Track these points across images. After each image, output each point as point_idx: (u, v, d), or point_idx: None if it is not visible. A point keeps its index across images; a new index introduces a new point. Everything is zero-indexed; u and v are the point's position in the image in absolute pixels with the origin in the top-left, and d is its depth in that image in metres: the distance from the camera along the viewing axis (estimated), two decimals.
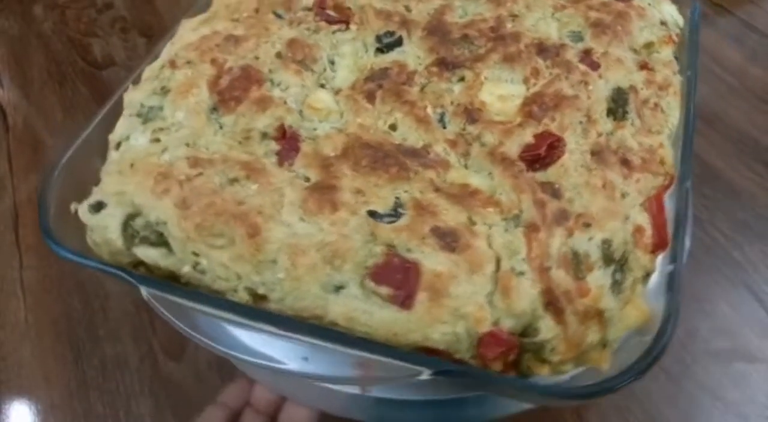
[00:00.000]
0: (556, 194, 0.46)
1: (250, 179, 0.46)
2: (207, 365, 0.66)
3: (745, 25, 0.97)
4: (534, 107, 0.51)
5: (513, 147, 0.49)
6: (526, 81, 0.53)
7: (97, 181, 0.48)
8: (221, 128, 0.50)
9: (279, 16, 0.59)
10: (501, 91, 0.53)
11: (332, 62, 0.56)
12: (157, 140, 0.49)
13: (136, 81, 0.54)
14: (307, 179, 0.47)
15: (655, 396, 0.61)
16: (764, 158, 0.81)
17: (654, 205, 0.48)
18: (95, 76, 0.98)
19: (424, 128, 0.50)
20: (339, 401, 0.53)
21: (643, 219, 0.46)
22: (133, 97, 0.52)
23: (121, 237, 0.45)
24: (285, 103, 0.51)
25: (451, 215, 0.44)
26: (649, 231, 0.46)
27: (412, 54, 0.56)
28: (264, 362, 0.46)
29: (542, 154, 0.48)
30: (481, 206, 0.45)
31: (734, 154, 0.81)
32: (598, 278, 0.43)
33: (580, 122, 0.51)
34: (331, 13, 0.59)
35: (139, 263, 0.46)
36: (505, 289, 0.41)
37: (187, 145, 0.48)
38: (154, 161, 0.47)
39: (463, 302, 0.41)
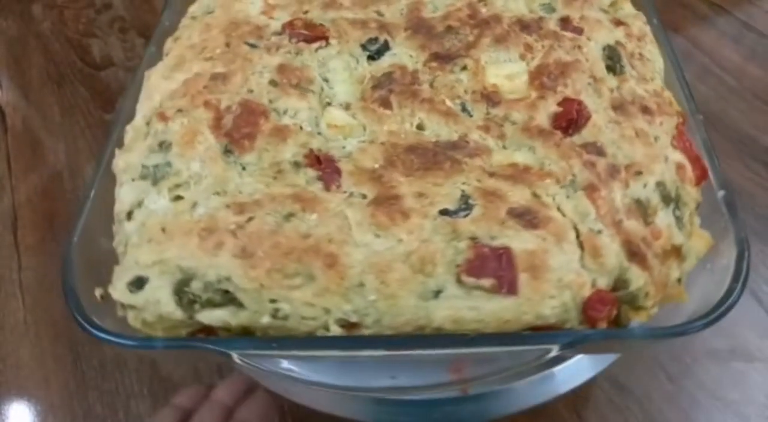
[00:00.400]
0: (600, 152, 0.48)
1: (307, 210, 0.44)
2: (206, 365, 0.66)
3: (743, 25, 0.97)
4: (543, 78, 0.52)
5: (543, 119, 0.50)
6: (522, 57, 0.55)
7: (105, 259, 0.45)
8: (244, 168, 0.47)
9: (253, 46, 0.56)
10: (505, 71, 0.54)
11: (326, 80, 0.54)
12: (179, 198, 0.46)
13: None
14: (364, 196, 0.45)
15: (655, 395, 0.61)
16: (763, 158, 0.81)
17: (681, 142, 0.51)
18: (94, 76, 0.98)
19: (452, 120, 0.50)
20: (344, 403, 0.53)
21: (678, 157, 0.49)
22: (128, 160, 0.49)
23: (179, 308, 0.42)
24: (302, 128, 0.50)
25: (517, 195, 0.44)
26: (688, 166, 0.49)
27: (405, 55, 0.56)
28: (360, 393, 0.47)
29: (575, 117, 0.50)
30: (537, 179, 0.46)
31: (733, 154, 0.82)
32: (664, 218, 0.46)
33: (589, 83, 0.53)
34: (305, 32, 0.57)
35: (198, 331, 0.43)
36: (593, 249, 0.42)
37: (218, 193, 0.45)
38: (189, 219, 0.44)
39: (563, 272, 0.41)
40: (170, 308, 0.42)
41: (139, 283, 0.42)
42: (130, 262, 0.43)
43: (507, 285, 0.41)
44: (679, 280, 0.45)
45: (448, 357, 0.43)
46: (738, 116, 0.86)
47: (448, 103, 0.52)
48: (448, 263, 0.41)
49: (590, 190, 0.45)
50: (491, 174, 0.46)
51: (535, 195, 0.45)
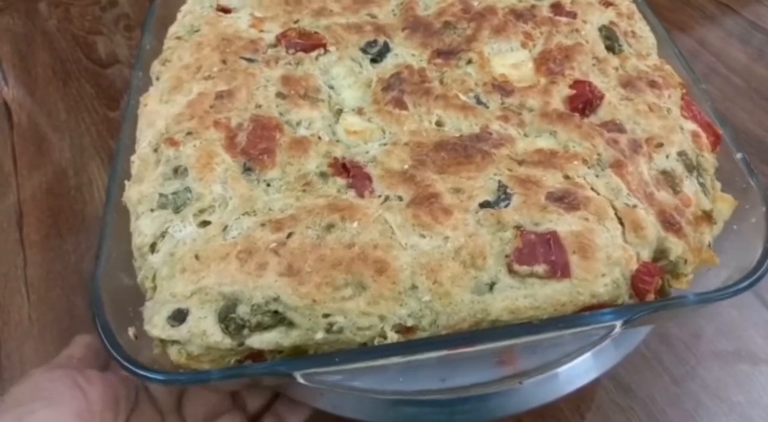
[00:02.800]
0: (620, 129, 0.49)
1: (346, 219, 0.43)
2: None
3: (751, 25, 0.97)
4: (548, 64, 0.54)
5: (558, 102, 0.52)
6: (524, 45, 0.56)
7: (129, 297, 0.43)
8: (269, 185, 0.47)
9: (251, 61, 0.55)
10: (510, 60, 0.55)
11: (331, 87, 0.53)
12: (206, 223, 0.44)
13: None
14: (400, 198, 0.45)
15: (659, 397, 0.61)
16: None
17: (690, 111, 0.52)
18: (99, 73, 0.98)
19: (470, 113, 0.51)
20: (342, 401, 0.53)
21: (691, 126, 0.51)
22: (141, 191, 0.47)
23: (227, 336, 0.40)
24: (320, 138, 0.49)
25: (551, 179, 0.46)
26: (702, 133, 0.51)
27: (407, 54, 0.56)
28: (418, 396, 0.46)
29: (590, 97, 0.51)
30: (566, 162, 0.47)
31: None
32: (690, 186, 0.48)
33: (594, 64, 0.54)
34: (301, 41, 0.56)
35: (247, 357, 0.42)
36: (633, 224, 0.44)
37: (247, 214, 0.44)
38: (223, 243, 0.43)
39: (610, 249, 0.43)
40: (218, 337, 0.40)
41: (179, 316, 0.41)
42: (164, 295, 0.42)
43: (560, 269, 0.41)
44: (709, 244, 0.47)
45: (508, 349, 0.43)
46: (745, 116, 0.85)
47: (462, 97, 0.52)
48: (497, 254, 0.42)
49: (617, 166, 0.47)
50: (520, 162, 0.47)
51: (568, 177, 0.46)
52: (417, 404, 0.52)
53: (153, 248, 0.44)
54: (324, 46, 0.56)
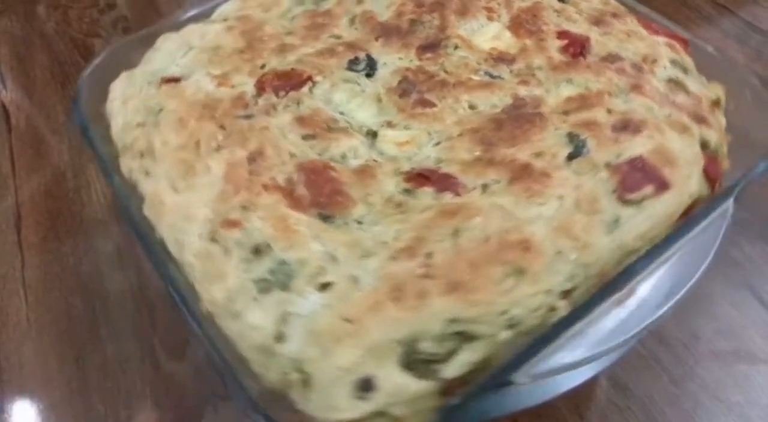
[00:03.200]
0: (619, 58, 0.55)
1: (466, 218, 0.42)
2: (208, 363, 0.66)
3: (748, 25, 0.97)
4: (524, 27, 0.58)
5: (558, 55, 0.56)
6: (490, 19, 0.58)
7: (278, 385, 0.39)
8: (361, 223, 0.44)
9: (249, 116, 0.50)
10: (488, 35, 0.57)
11: (342, 113, 0.51)
12: (328, 284, 0.40)
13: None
14: (497, 181, 0.45)
15: (657, 396, 0.61)
16: None
17: (651, 28, 0.60)
18: None
19: (494, 88, 0.52)
20: None
21: (661, 38, 0.58)
22: (229, 287, 0.42)
23: (423, 378, 0.38)
24: (375, 161, 0.48)
25: (600, 116, 0.50)
26: (672, 41, 0.58)
27: (395, 59, 0.55)
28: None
29: (581, 41, 0.56)
30: (597, 100, 0.51)
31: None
32: (692, 84, 0.55)
33: (558, 15, 0.59)
34: (282, 82, 0.53)
35: (444, 392, 0.39)
36: (682, 128, 0.50)
37: (366, 257, 0.42)
38: (363, 295, 0.39)
39: (684, 153, 0.48)
40: (415, 384, 0.38)
41: (366, 385, 0.38)
42: (332, 375, 0.38)
43: (661, 184, 0.46)
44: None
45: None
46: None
47: (476, 77, 0.53)
48: (606, 193, 0.45)
49: (637, 89, 0.52)
50: (565, 113, 0.50)
51: (610, 111, 0.50)
52: None
53: (280, 338, 0.40)
54: (309, 78, 0.53)
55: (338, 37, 0.57)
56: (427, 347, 0.39)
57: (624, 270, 0.43)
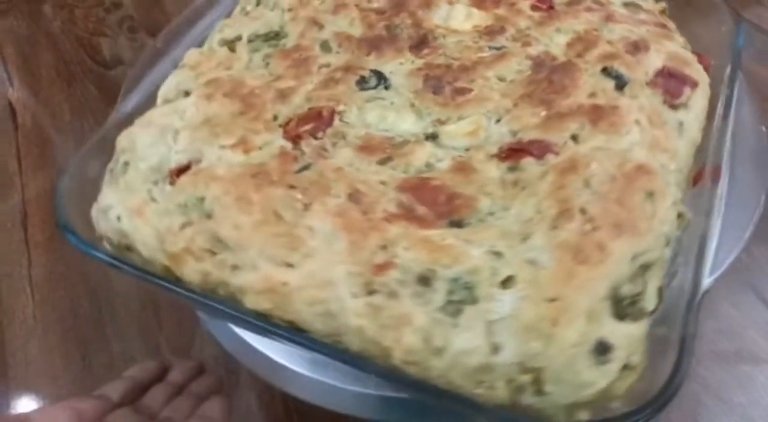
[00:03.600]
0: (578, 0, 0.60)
1: (585, 166, 0.44)
2: (213, 361, 0.66)
3: (752, 26, 0.97)
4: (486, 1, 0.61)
5: (533, 12, 0.59)
6: (451, 3, 0.60)
7: None
8: (493, 213, 0.44)
9: (306, 168, 0.47)
10: (460, 17, 0.59)
11: (386, 130, 0.50)
12: (511, 279, 0.40)
13: None
14: (581, 128, 0.48)
15: None
16: None
17: None
18: (104, 75, 0.98)
19: (510, 56, 0.54)
20: (344, 398, 0.54)
21: None
22: (423, 325, 0.39)
23: (644, 319, 0.39)
24: (461, 155, 0.48)
25: (611, 48, 0.54)
26: None
27: (398, 65, 0.54)
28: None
29: None
30: (593, 37, 0.55)
31: None
32: (642, 2, 0.62)
33: None
34: (311, 124, 0.50)
35: None
36: (667, 36, 0.57)
37: (525, 238, 0.41)
38: (552, 272, 0.39)
39: (687, 53, 0.56)
40: (639, 327, 0.38)
41: (601, 349, 0.38)
42: (563, 358, 0.37)
43: (693, 82, 0.52)
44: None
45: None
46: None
47: (485, 54, 0.55)
48: (662, 106, 0.50)
49: (610, 19, 0.57)
50: (579, 56, 0.54)
51: (609, 42, 0.54)
52: (416, 403, 0.52)
53: (495, 350, 0.39)
54: (332, 111, 0.51)
55: (327, 65, 0.55)
56: (627, 291, 0.40)
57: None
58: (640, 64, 0.52)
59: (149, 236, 0.46)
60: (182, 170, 0.48)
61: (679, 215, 0.44)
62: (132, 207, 0.47)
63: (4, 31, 1.06)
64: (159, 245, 0.45)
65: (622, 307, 0.39)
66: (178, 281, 0.45)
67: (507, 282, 0.40)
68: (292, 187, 0.45)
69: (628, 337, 0.39)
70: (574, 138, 0.46)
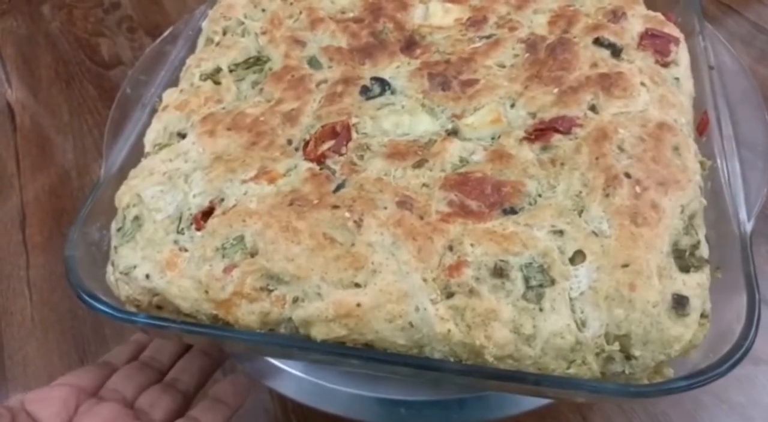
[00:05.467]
0: None
1: (615, 132, 0.47)
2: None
3: (753, 25, 0.96)
4: None
5: None
6: (423, 2, 0.60)
7: None
8: (541, 195, 0.45)
9: (342, 185, 0.46)
10: (438, 13, 0.60)
11: (407, 134, 0.50)
12: (579, 253, 0.41)
13: None
14: (595, 97, 0.49)
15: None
16: None
17: None
18: (102, 75, 0.97)
19: (503, 42, 0.56)
20: (341, 401, 0.53)
21: None
22: (510, 316, 0.40)
23: (706, 267, 0.41)
24: (490, 144, 0.49)
25: (592, 20, 0.56)
26: None
27: (395, 69, 0.54)
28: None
29: None
30: (574, 14, 0.57)
31: None
32: None
33: None
34: (329, 144, 0.49)
35: None
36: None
37: (581, 211, 0.43)
38: (617, 239, 0.41)
39: (657, 14, 0.57)
40: (703, 275, 0.41)
41: (680, 303, 0.40)
42: (647, 319, 0.39)
43: (675, 39, 0.54)
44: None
45: None
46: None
47: (477, 44, 0.56)
48: (654, 65, 0.52)
49: None
50: (566, 32, 0.55)
51: (588, 15, 0.57)
52: (415, 404, 0.52)
53: (581, 326, 0.40)
54: (347, 125, 0.50)
55: (324, 81, 0.54)
56: (685, 243, 0.42)
57: None
58: (624, 30, 0.54)
59: (188, 288, 0.43)
60: (207, 212, 0.46)
61: (701, 163, 0.46)
62: (162, 262, 0.44)
63: (3, 32, 1.05)
64: (202, 295, 0.43)
65: (685, 259, 0.41)
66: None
67: (576, 258, 0.41)
68: (335, 207, 0.44)
69: (697, 287, 0.40)
70: (593, 108, 0.49)
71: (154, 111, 0.54)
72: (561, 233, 0.42)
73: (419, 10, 0.60)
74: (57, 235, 0.78)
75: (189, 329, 0.43)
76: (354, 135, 0.49)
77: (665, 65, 0.52)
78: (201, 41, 0.60)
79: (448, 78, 0.52)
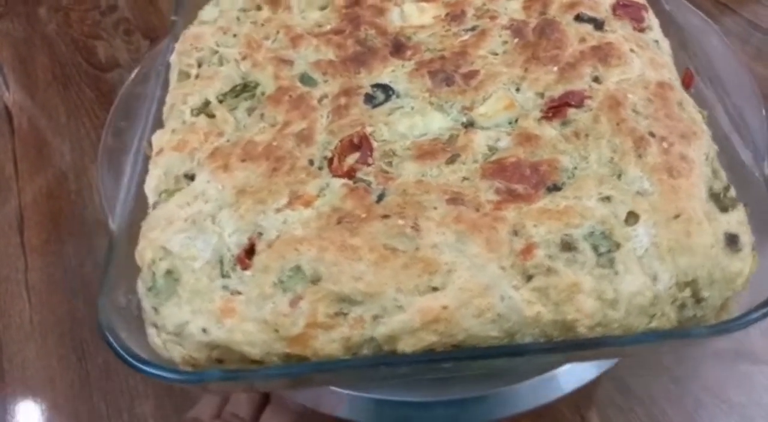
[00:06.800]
0: None
1: (625, 99, 0.48)
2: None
3: (749, 24, 0.97)
4: None
5: None
6: (398, 5, 0.60)
7: None
8: (576, 167, 0.46)
9: (383, 195, 0.45)
10: (415, 13, 0.60)
11: (424, 134, 0.50)
12: (632, 214, 0.43)
13: None
14: (595, 69, 0.52)
15: (659, 397, 0.61)
16: None
17: None
18: (99, 78, 0.97)
19: (489, 32, 0.56)
20: (339, 401, 0.53)
21: None
22: (591, 285, 0.41)
23: (739, 204, 0.45)
24: (512, 129, 0.50)
25: (563, 0, 0.57)
26: None
27: (390, 73, 0.54)
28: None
29: None
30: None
31: None
32: None
33: None
34: (354, 157, 0.48)
35: None
36: None
37: (620, 174, 0.45)
38: (662, 194, 0.44)
39: None
40: (741, 212, 0.44)
41: (732, 241, 0.43)
42: (708, 262, 0.42)
43: (643, 6, 0.57)
44: None
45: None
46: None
47: (465, 37, 0.56)
48: (635, 33, 0.55)
49: None
50: (542, 13, 0.56)
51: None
52: (414, 406, 0.52)
53: (654, 281, 0.42)
54: (364, 135, 0.49)
55: (325, 96, 0.53)
56: (717, 186, 0.45)
57: None
58: (598, 4, 0.56)
59: (254, 331, 0.41)
60: (249, 250, 0.43)
61: (701, 113, 0.49)
62: (216, 311, 0.41)
63: (0, 35, 1.06)
64: (272, 335, 0.41)
65: (721, 201, 0.45)
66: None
67: (630, 219, 0.43)
68: (385, 216, 0.43)
69: (739, 224, 0.44)
70: (596, 80, 0.51)
71: (146, 158, 0.50)
72: (608, 199, 0.43)
73: (395, 14, 0.59)
74: (55, 237, 0.78)
75: (280, 372, 0.41)
76: (374, 144, 0.49)
77: (642, 31, 0.55)
78: (173, 76, 0.56)
79: (449, 73, 0.52)
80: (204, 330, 0.41)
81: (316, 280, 0.41)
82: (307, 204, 0.45)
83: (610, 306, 0.41)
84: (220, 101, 0.53)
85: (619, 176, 0.45)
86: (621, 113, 0.47)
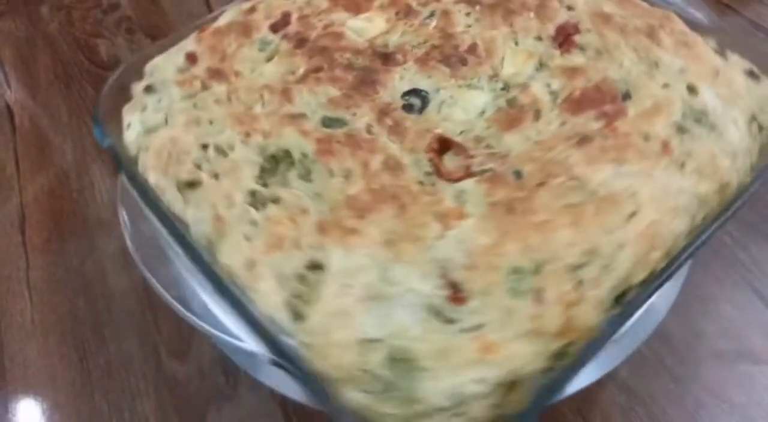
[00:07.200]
0: None
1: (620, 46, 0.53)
2: (211, 363, 0.66)
3: (752, 24, 0.97)
4: None
5: None
6: (347, 10, 0.60)
7: None
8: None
9: (519, 174, 0.45)
10: (365, 27, 0.59)
11: (481, 113, 0.51)
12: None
13: None
14: (589, 30, 0.55)
15: (659, 397, 0.61)
16: None
17: None
18: (101, 77, 0.97)
19: (473, 12, 0.59)
20: None
21: None
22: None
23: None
24: (547, 95, 0.53)
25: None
26: None
27: (400, 81, 0.54)
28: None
29: None
30: None
31: None
32: None
33: None
34: (457, 161, 0.48)
35: None
36: None
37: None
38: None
39: None
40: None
41: None
42: None
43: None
44: None
45: None
46: None
47: (433, 23, 0.58)
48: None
49: None
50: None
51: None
52: None
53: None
54: (445, 139, 0.48)
55: (369, 128, 0.49)
56: (711, 44, 0.54)
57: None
58: None
59: (524, 347, 0.38)
60: (451, 284, 0.40)
61: (692, 91, 0.51)
62: (475, 355, 0.38)
63: (2, 33, 1.04)
64: (541, 340, 0.39)
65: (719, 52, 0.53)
66: None
67: (691, 92, 0.50)
68: (541, 184, 0.43)
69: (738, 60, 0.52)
70: (568, 8, 0.56)
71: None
72: (667, 85, 0.49)
73: (349, 34, 0.58)
74: (56, 236, 0.78)
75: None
76: (456, 139, 0.48)
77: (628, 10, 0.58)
78: (173, 195, 0.49)
79: (456, 55, 0.54)
80: (482, 381, 0.37)
81: (537, 270, 0.40)
82: (460, 216, 0.43)
83: (733, 160, 0.47)
84: (265, 185, 0.46)
85: (657, 65, 0.50)
86: (616, 23, 0.53)
